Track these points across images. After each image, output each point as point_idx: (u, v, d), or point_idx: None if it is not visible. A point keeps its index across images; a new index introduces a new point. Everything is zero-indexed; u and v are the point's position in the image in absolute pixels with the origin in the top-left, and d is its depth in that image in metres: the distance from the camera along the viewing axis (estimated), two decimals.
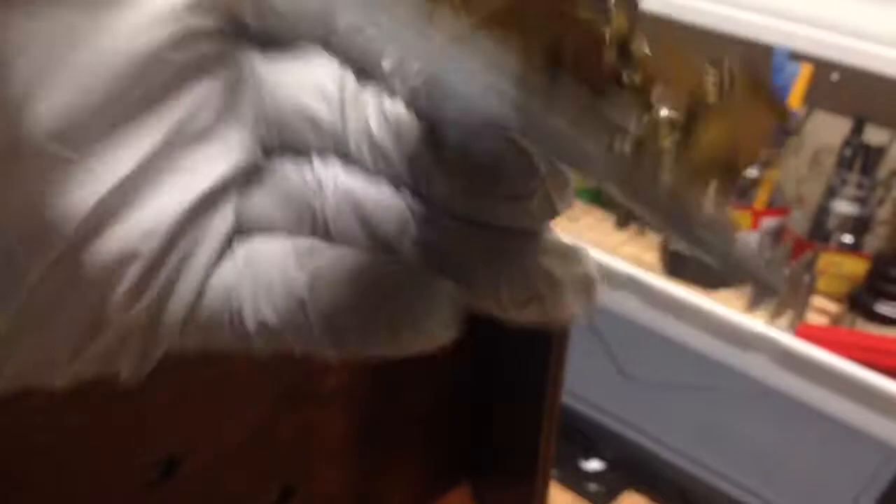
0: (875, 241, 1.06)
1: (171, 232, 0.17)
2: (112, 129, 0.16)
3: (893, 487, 0.78)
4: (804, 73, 1.06)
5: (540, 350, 0.47)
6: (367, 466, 0.52)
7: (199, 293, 0.18)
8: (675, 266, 1.07)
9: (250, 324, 0.18)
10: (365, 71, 0.18)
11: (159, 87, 0.16)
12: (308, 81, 0.18)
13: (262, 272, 0.18)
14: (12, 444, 0.34)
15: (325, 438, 0.49)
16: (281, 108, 0.18)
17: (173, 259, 0.17)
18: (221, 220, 0.18)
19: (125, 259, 0.17)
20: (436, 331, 0.17)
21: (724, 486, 0.77)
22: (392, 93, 0.17)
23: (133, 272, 0.17)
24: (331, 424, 0.49)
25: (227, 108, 0.18)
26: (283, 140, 0.18)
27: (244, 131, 0.18)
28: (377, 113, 0.17)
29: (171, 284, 0.18)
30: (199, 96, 0.17)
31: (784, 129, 1.09)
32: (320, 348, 0.18)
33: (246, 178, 0.18)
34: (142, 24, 0.16)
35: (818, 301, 1.03)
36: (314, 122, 0.18)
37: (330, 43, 0.18)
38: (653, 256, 1.11)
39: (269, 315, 0.18)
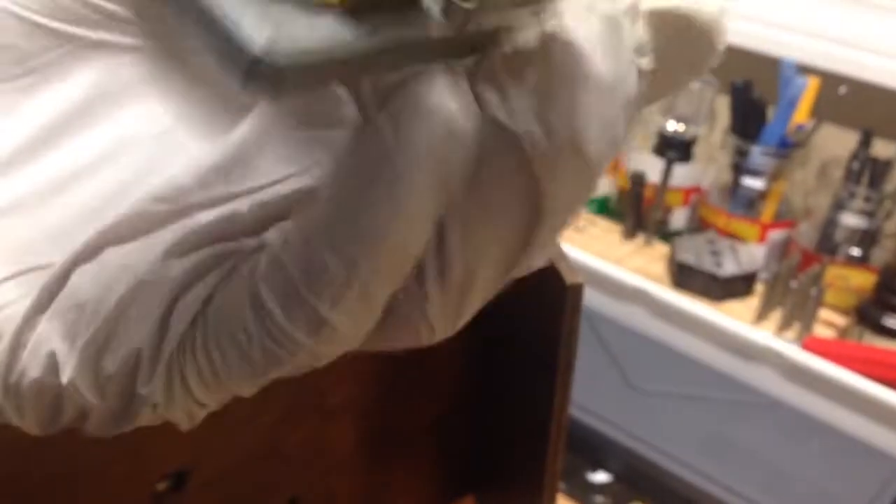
0: (883, 254, 1.06)
1: None
2: None
3: None
4: (812, 86, 1.06)
5: (547, 361, 0.47)
6: (373, 478, 0.52)
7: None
8: (683, 278, 1.07)
9: None
10: None
11: None
12: None
13: None
14: (18, 459, 0.35)
15: (332, 451, 0.49)
16: None
17: None
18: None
19: None
20: None
21: (731, 499, 0.77)
22: None
23: None
24: (338, 437, 0.49)
25: None
26: None
27: None
28: None
29: None
30: None
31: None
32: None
33: None
34: None
35: (825, 314, 1.03)
36: None
37: None
38: (660, 268, 1.11)
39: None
